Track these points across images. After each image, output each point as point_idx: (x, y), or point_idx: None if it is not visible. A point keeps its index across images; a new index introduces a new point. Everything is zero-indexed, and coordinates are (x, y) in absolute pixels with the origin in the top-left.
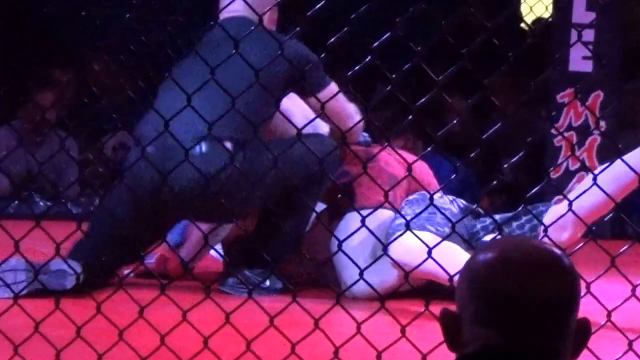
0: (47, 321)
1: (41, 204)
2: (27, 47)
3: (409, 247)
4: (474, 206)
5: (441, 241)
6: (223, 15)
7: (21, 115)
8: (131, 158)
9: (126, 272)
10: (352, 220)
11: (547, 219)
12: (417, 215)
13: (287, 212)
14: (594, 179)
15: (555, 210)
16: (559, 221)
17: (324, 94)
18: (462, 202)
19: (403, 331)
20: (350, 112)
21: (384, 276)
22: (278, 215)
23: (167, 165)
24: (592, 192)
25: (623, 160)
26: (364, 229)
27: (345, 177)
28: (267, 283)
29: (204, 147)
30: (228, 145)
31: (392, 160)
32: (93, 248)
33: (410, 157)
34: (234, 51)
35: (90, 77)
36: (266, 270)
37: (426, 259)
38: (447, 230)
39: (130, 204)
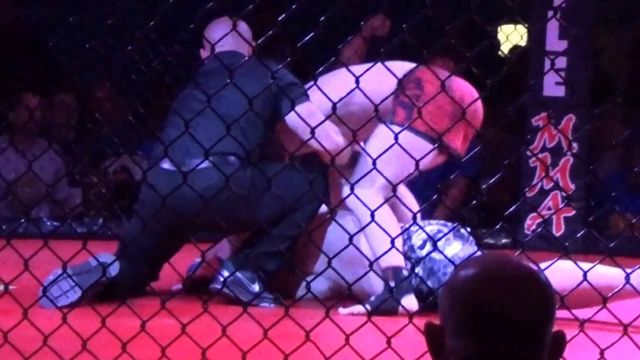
0: (55, 334)
1: (48, 223)
2: (33, 73)
3: None
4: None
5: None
6: (215, 49)
7: (12, 120)
8: (150, 175)
9: (175, 287)
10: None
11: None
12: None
13: (280, 230)
14: None
15: None
16: None
17: (300, 109)
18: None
19: (389, 342)
20: (327, 132)
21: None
22: (271, 232)
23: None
24: None
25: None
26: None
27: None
28: (256, 288)
29: (208, 162)
30: (232, 159)
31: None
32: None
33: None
34: (229, 80)
35: (93, 103)
36: (255, 275)
37: None
38: None
39: (149, 218)
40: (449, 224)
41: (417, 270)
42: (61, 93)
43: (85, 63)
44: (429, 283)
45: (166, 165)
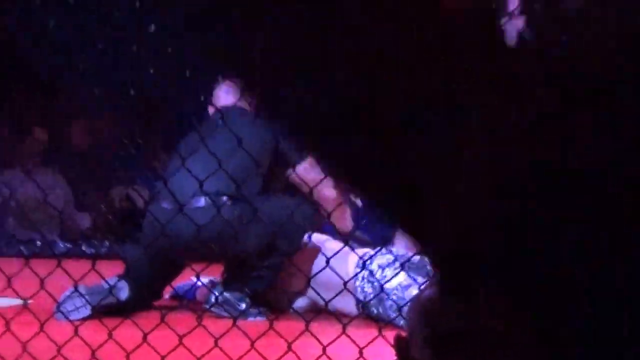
0: (68, 345)
1: (61, 245)
2: (43, 106)
3: None
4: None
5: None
6: (219, 104)
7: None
8: (152, 211)
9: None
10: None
11: None
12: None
13: (266, 257)
14: None
15: None
16: None
17: (300, 167)
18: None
19: (361, 352)
20: (322, 185)
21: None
22: (259, 260)
23: (179, 217)
24: None
25: None
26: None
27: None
28: (243, 306)
29: (204, 201)
30: (224, 199)
31: None
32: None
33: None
34: (231, 134)
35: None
36: (242, 294)
37: None
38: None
39: (151, 248)
40: (407, 252)
41: (367, 290)
42: (70, 124)
43: (80, 84)
44: (380, 309)
45: (165, 204)
